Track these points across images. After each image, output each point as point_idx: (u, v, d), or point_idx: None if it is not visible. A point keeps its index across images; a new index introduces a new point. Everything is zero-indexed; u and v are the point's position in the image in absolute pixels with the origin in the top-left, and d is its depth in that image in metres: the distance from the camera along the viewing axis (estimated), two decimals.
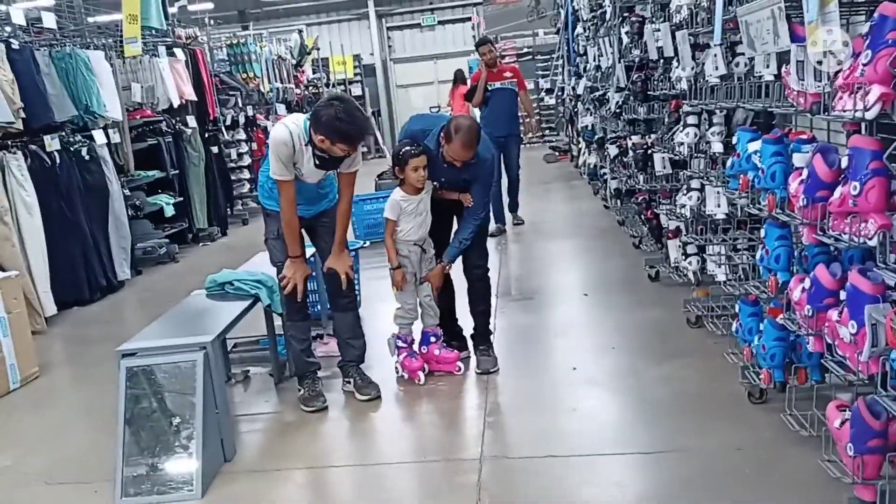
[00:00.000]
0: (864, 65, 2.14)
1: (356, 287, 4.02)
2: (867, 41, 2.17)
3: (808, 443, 2.78)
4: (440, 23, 18.07)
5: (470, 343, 4.02)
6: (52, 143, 5.72)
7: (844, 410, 2.37)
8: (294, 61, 12.18)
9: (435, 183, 3.76)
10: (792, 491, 2.60)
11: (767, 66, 3.04)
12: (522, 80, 7.53)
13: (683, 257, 4.44)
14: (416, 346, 3.89)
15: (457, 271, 3.95)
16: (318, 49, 14.41)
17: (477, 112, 7.66)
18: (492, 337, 4.01)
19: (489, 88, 7.14)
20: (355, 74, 17.02)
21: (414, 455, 3.16)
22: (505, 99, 7.18)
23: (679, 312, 4.28)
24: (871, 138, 2.23)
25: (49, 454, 3.41)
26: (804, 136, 2.76)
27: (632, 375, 3.67)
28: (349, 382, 3.73)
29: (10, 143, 5.44)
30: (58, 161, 5.75)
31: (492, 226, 5.94)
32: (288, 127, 3.34)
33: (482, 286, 3.94)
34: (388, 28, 18.46)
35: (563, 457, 2.97)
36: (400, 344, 3.85)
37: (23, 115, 5.44)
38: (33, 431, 3.74)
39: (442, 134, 3.59)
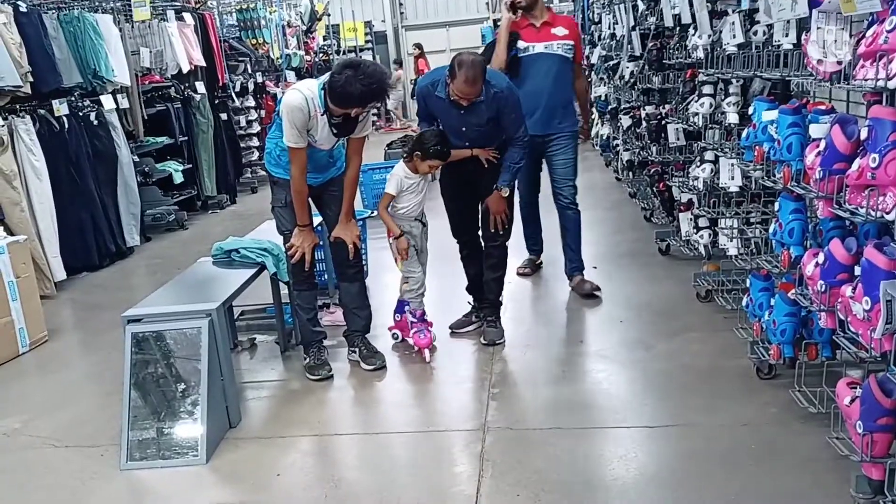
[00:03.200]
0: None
1: (363, 257, 4.00)
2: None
3: (816, 419, 2.75)
4: None
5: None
6: (60, 107, 5.68)
7: (855, 387, 2.33)
8: (304, 27, 12.04)
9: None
10: (799, 467, 2.58)
11: (786, 35, 2.95)
12: (580, 45, 4.68)
13: (695, 231, 4.38)
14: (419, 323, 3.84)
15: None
16: (329, 15, 14.23)
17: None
18: (502, 308, 3.98)
19: (520, 50, 4.30)
20: (366, 41, 16.82)
21: (418, 425, 3.16)
22: (550, 72, 4.29)
23: (689, 286, 4.23)
24: (893, 109, 2.16)
25: (57, 418, 3.44)
26: (822, 107, 2.68)
27: (640, 349, 3.64)
28: (354, 352, 3.72)
29: (18, 107, 5.40)
30: (66, 126, 5.72)
31: (519, 258, 4.91)
32: (302, 92, 3.28)
33: (498, 254, 3.88)
34: None
35: (568, 429, 2.96)
36: (411, 319, 3.80)
37: (31, 79, 5.40)
38: (42, 395, 3.76)
39: (447, 73, 3.52)
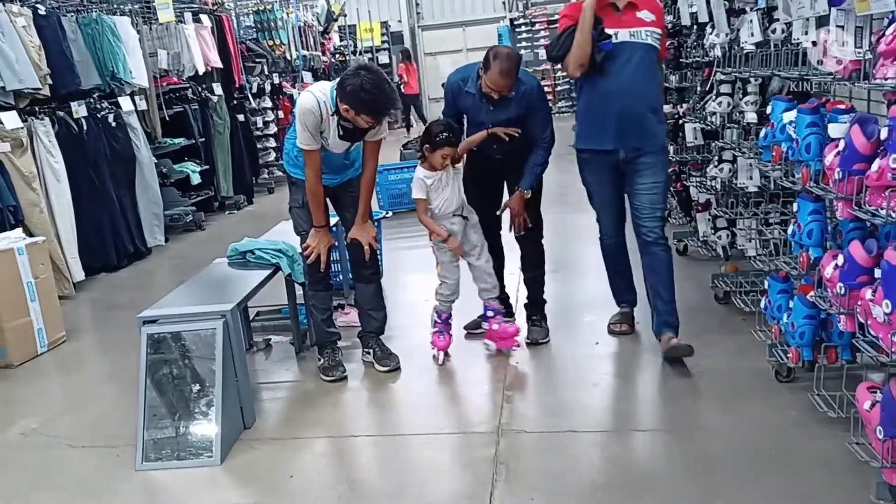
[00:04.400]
0: None
1: (379, 258, 4.00)
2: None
3: (835, 424, 2.71)
4: None
5: (523, 311, 3.94)
6: (79, 109, 5.74)
7: (875, 392, 2.29)
8: (321, 28, 12.08)
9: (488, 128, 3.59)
10: (818, 473, 2.54)
11: (805, 33, 2.90)
12: (665, 36, 3.73)
13: (713, 231, 4.34)
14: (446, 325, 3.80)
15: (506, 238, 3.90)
16: (345, 16, 14.27)
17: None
18: (545, 306, 3.93)
19: (603, 38, 3.33)
20: (383, 42, 16.84)
21: (432, 427, 3.14)
22: (637, 66, 3.38)
23: (707, 288, 4.19)
24: None
25: (74, 417, 3.47)
26: (842, 106, 2.64)
27: (655, 351, 3.60)
28: (369, 353, 3.72)
29: (37, 109, 5.47)
30: (85, 127, 5.77)
31: (603, 310, 4.01)
32: (315, 95, 3.29)
33: (535, 252, 3.84)
34: None
35: (582, 432, 2.94)
36: (435, 319, 3.77)
37: (49, 81, 5.45)
38: (59, 395, 3.80)
39: (480, 65, 3.47)
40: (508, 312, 3.94)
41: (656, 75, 3.58)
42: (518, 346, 3.76)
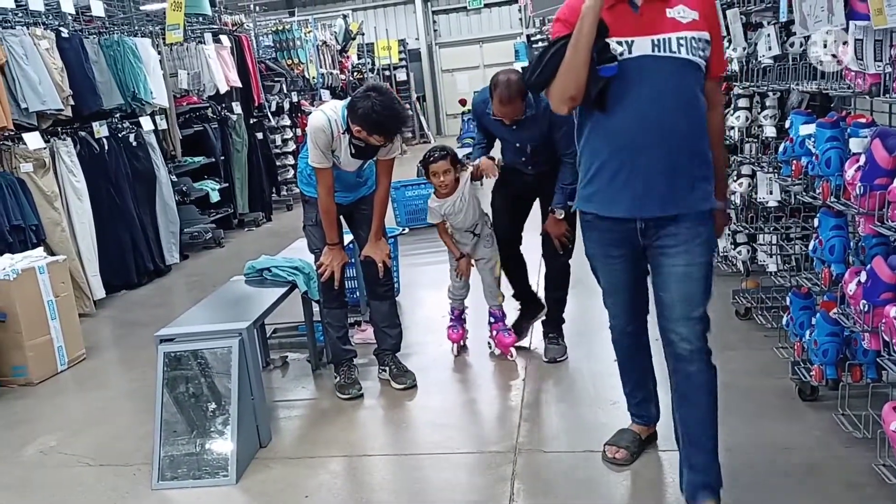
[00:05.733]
0: None
1: (394, 275, 4.00)
2: None
3: (861, 444, 2.64)
4: (486, 5, 17.85)
5: (539, 328, 3.95)
6: (100, 129, 5.82)
7: None
8: (339, 47, 12.19)
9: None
10: (842, 494, 2.47)
11: (824, 46, 2.87)
12: (720, 40, 2.39)
13: (733, 246, 4.28)
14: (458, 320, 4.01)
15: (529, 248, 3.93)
16: (363, 34, 14.40)
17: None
18: (563, 326, 3.91)
19: (605, 60, 2.19)
20: (400, 59, 16.97)
21: (448, 446, 3.11)
22: (665, 92, 2.22)
23: (727, 304, 4.13)
24: None
25: (92, 435, 3.48)
26: (862, 120, 2.60)
27: None
28: (385, 371, 3.70)
29: (59, 129, 5.55)
30: (106, 147, 5.85)
31: (612, 419, 3.05)
32: (326, 114, 3.31)
33: (561, 272, 3.81)
34: (433, 12, 18.34)
35: (600, 452, 2.88)
36: (449, 314, 3.99)
37: (72, 102, 5.54)
38: (78, 412, 3.82)
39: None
40: (531, 311, 4.04)
41: (697, 106, 2.26)
42: (512, 356, 3.84)
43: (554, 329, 3.87)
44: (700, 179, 2.31)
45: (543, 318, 3.95)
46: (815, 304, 3.05)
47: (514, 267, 3.96)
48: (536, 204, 3.83)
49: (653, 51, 2.22)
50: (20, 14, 5.47)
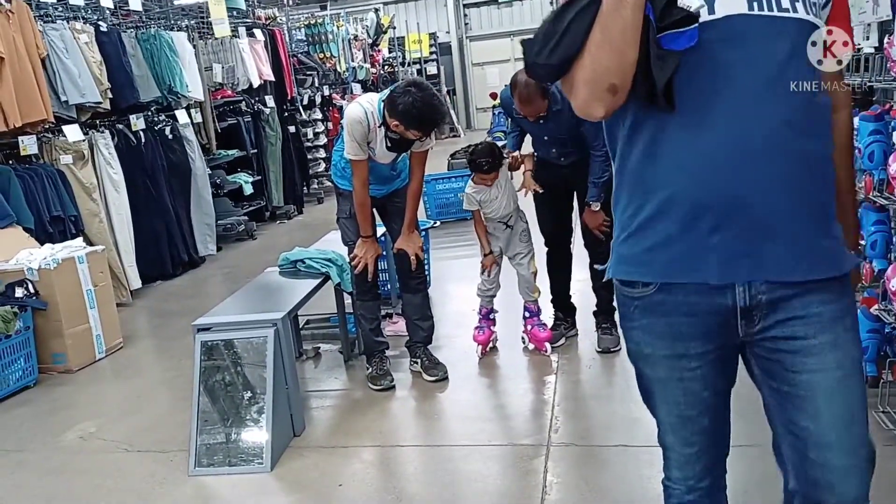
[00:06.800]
0: None
1: (426, 268, 4.01)
2: None
3: None
4: None
5: (593, 320, 3.92)
6: (137, 122, 5.92)
7: None
8: (370, 41, 12.24)
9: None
10: (882, 493, 2.42)
11: (867, 38, 2.82)
12: (847, 8, 1.46)
13: None
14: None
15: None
16: (394, 28, 14.43)
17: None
18: (615, 314, 3.86)
19: (673, 21, 1.26)
20: (431, 53, 16.97)
21: (480, 438, 3.12)
22: (782, 77, 1.30)
23: None
24: None
25: (130, 422, 3.55)
26: None
27: None
28: (416, 362, 3.72)
29: (98, 122, 5.66)
30: (143, 140, 5.95)
31: None
32: (363, 106, 3.33)
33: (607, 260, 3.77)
34: (464, 5, 18.29)
35: (635, 447, 2.87)
36: (478, 315, 3.92)
37: (110, 95, 5.64)
38: (116, 400, 3.90)
39: None
40: (572, 321, 3.99)
41: (824, 105, 1.42)
42: (547, 351, 3.80)
43: (607, 319, 3.83)
44: (833, 220, 1.41)
45: (574, 334, 3.94)
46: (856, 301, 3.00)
47: (556, 267, 3.90)
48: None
49: (751, 8, 1.32)
50: (60, 9, 5.58)
